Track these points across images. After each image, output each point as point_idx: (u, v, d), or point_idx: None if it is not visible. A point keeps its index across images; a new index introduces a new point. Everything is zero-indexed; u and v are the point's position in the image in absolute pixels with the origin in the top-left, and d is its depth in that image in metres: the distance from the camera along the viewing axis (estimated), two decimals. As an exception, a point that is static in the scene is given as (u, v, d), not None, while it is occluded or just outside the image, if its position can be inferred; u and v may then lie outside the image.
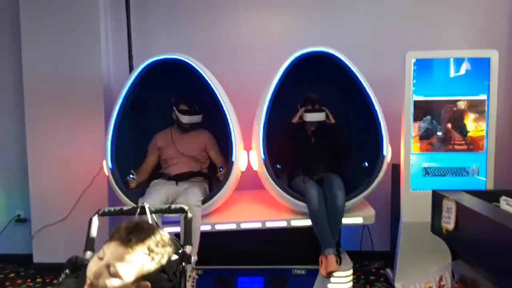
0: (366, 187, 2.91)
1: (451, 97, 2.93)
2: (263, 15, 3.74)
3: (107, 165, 2.98)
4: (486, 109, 2.89)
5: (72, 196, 3.54)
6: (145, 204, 1.96)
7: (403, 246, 2.99)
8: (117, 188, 2.93)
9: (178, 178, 3.14)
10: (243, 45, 3.70)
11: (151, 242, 1.31)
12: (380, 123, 2.97)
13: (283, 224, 2.97)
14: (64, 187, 3.55)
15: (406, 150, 2.92)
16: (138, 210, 1.95)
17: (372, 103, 3.01)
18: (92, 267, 1.29)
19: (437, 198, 2.09)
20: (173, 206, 2.00)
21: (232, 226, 2.96)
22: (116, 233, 1.31)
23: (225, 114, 3.03)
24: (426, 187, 2.92)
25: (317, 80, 3.38)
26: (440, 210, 2.03)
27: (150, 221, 1.92)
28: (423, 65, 2.92)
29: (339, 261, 2.81)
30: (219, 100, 3.04)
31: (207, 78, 3.04)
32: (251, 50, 3.70)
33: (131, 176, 2.98)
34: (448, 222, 1.92)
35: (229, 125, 3.02)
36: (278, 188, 2.95)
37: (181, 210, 1.97)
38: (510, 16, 3.57)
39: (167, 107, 3.31)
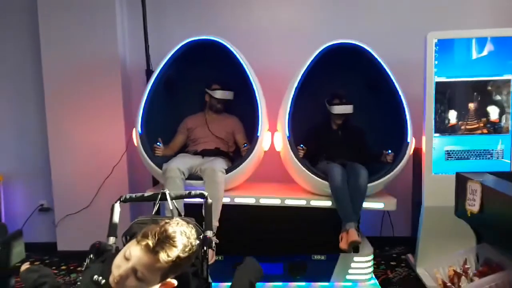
0: (389, 171, 2.89)
1: (474, 78, 2.85)
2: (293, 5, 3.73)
3: (136, 131, 3.03)
4: (511, 90, 2.80)
5: (94, 185, 3.58)
6: (165, 190, 1.97)
7: (424, 231, 2.94)
8: (143, 152, 2.99)
9: (205, 153, 3.19)
10: (266, 32, 3.69)
11: (179, 252, 1.29)
12: (405, 113, 2.96)
13: (302, 202, 2.96)
14: (85, 176, 3.60)
15: (428, 133, 2.86)
16: (159, 196, 1.96)
17: (398, 92, 3.01)
18: (119, 265, 1.30)
19: (461, 181, 2.04)
20: (193, 192, 2.00)
21: (251, 200, 2.96)
22: (144, 237, 1.29)
23: (255, 93, 3.06)
24: (448, 171, 2.86)
25: (343, 71, 3.34)
26: (464, 192, 1.98)
27: (171, 207, 1.95)
28: (444, 46, 2.85)
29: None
30: (249, 80, 3.07)
31: (240, 59, 3.09)
32: (273, 38, 3.68)
33: (158, 143, 3.06)
34: (473, 205, 1.87)
35: (257, 102, 3.05)
36: (301, 165, 2.93)
37: (201, 196, 1.98)
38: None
39: (198, 92, 3.39)
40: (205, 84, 3.35)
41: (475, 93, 2.86)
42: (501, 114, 2.85)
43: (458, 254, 2.30)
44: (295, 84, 3.01)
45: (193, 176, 2.96)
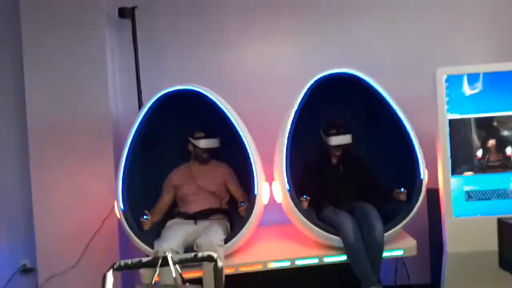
0: (405, 214, 2.69)
1: (487, 113, 2.70)
2: (278, 42, 3.60)
3: (118, 206, 2.73)
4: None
5: (81, 241, 3.27)
6: (167, 253, 1.72)
7: (449, 279, 2.69)
8: (130, 230, 2.68)
9: (197, 216, 2.90)
10: (256, 75, 3.54)
11: None
12: (413, 144, 2.79)
13: (315, 261, 2.70)
14: (72, 232, 3.28)
15: (445, 173, 2.66)
16: (160, 261, 1.70)
17: (402, 122, 2.85)
18: None
19: (505, 228, 1.81)
20: (199, 255, 1.74)
21: (258, 267, 2.69)
22: None
23: (244, 144, 2.83)
24: (470, 213, 2.66)
25: (341, 105, 3.19)
26: (509, 241, 1.76)
27: (173, 274, 1.69)
28: (454, 82, 2.71)
29: None
30: (236, 130, 2.85)
31: (223, 107, 2.87)
32: (266, 80, 3.52)
33: (145, 216, 2.74)
34: None
35: (249, 155, 2.81)
36: (307, 221, 2.72)
37: (210, 259, 1.71)
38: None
39: (181, 142, 3.12)
40: (187, 133, 3.09)
41: (489, 129, 2.70)
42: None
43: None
44: (288, 128, 2.82)
45: (188, 248, 2.65)
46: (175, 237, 2.66)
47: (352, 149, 3.07)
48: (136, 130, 2.85)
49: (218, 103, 2.87)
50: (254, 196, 2.75)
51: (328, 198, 3.00)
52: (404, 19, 3.48)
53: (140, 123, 2.87)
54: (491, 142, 2.70)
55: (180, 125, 3.14)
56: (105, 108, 3.33)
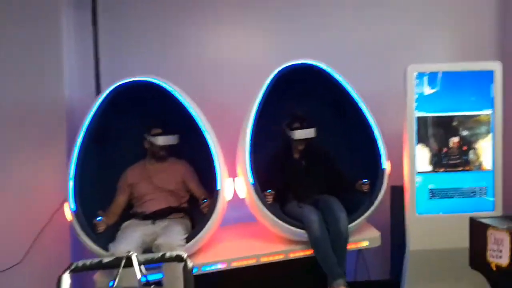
0: (369, 205, 2.70)
1: (453, 112, 2.73)
2: (243, 31, 3.47)
3: (69, 206, 2.52)
4: (491, 125, 2.71)
5: (28, 236, 3.02)
6: (132, 253, 1.58)
7: (410, 276, 2.72)
8: (82, 233, 2.49)
9: (155, 216, 2.74)
10: (221, 65, 3.40)
11: None
12: (375, 136, 2.83)
13: (281, 257, 2.65)
14: (18, 225, 3.03)
15: (410, 170, 2.67)
16: (123, 262, 1.56)
17: (365, 115, 2.88)
18: None
19: (478, 228, 1.82)
20: (168, 254, 1.61)
21: (222, 266, 2.60)
22: None
23: (206, 138, 2.72)
24: (432, 211, 2.69)
25: (307, 98, 3.16)
26: (481, 241, 1.75)
27: (138, 275, 1.56)
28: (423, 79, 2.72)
29: None
30: (198, 123, 2.73)
31: (182, 100, 2.74)
32: (231, 70, 3.39)
33: (98, 218, 2.56)
34: (499, 257, 1.65)
35: (210, 149, 2.71)
36: (272, 216, 2.65)
37: (179, 259, 1.59)
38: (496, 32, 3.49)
39: (138, 138, 2.93)
40: (143, 129, 2.91)
41: (455, 129, 2.73)
42: (481, 150, 2.73)
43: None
44: (251, 121, 2.75)
45: (147, 250, 2.51)
46: (132, 239, 2.50)
47: (316, 142, 3.03)
48: (90, 124, 2.65)
49: (177, 95, 2.74)
50: (217, 191, 2.65)
51: (292, 192, 2.96)
52: (374, 17, 3.48)
53: (94, 116, 2.67)
54: (453, 141, 2.73)
55: (138, 120, 2.96)
56: (58, 94, 3.08)
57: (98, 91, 3.10)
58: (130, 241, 2.46)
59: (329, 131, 3.12)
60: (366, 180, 2.78)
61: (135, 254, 1.57)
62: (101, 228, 2.54)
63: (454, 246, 2.59)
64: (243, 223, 3.10)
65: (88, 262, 1.57)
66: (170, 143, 2.89)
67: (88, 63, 3.17)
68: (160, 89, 2.76)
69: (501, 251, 1.64)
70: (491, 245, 1.70)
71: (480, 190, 2.72)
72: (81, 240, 2.51)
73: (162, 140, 2.85)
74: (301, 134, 2.92)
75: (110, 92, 2.71)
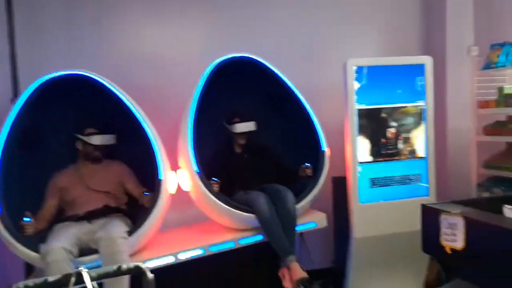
0: (313, 186, 2.79)
1: (389, 105, 2.85)
2: (181, 23, 3.32)
3: None
4: (423, 116, 2.88)
5: None
6: (82, 269, 1.41)
7: (355, 263, 2.81)
8: (8, 236, 2.24)
9: (91, 216, 2.54)
10: (159, 58, 3.23)
11: None
12: (314, 123, 2.95)
13: (231, 245, 2.61)
14: None
15: (353, 161, 2.76)
16: (73, 279, 1.39)
17: (302, 103, 2.98)
18: None
19: (429, 213, 1.91)
20: (124, 267, 1.47)
21: (169, 260, 2.48)
22: None
23: (144, 130, 2.60)
24: (373, 199, 2.80)
25: (246, 91, 3.15)
26: (433, 226, 1.84)
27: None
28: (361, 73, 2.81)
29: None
30: (135, 115, 2.60)
31: (119, 95, 2.60)
32: (166, 62, 3.24)
33: (26, 219, 2.32)
34: (454, 240, 1.74)
35: (150, 140, 2.59)
36: (220, 203, 2.62)
37: (137, 270, 1.46)
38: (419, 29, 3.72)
39: (69, 138, 2.73)
40: (74, 129, 2.72)
41: (391, 120, 2.86)
42: (415, 139, 2.90)
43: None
44: (192, 110, 2.69)
45: (83, 251, 2.33)
46: (66, 236, 2.30)
47: (257, 136, 3.06)
48: (12, 124, 2.40)
49: (112, 89, 2.59)
50: (160, 181, 2.54)
51: (237, 185, 2.95)
52: (309, 14, 3.52)
53: (17, 116, 2.42)
54: (390, 132, 2.86)
55: (68, 118, 2.76)
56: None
57: (16, 91, 2.79)
58: (64, 238, 2.26)
59: (270, 124, 3.17)
60: (309, 164, 2.85)
61: (86, 270, 1.41)
62: (29, 230, 2.31)
63: (395, 231, 2.74)
64: (191, 225, 3.00)
65: (31, 282, 1.38)
66: (106, 143, 2.72)
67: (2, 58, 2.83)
68: (93, 84, 2.59)
69: (455, 234, 1.74)
70: (444, 230, 1.80)
71: (415, 177, 2.88)
72: (6, 242, 2.26)
73: (96, 140, 2.67)
74: (241, 127, 2.94)
75: (37, 87, 2.48)
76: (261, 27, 3.41)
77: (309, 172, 2.86)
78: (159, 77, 3.20)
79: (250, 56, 2.96)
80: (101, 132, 2.69)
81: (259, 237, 2.68)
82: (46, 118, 2.68)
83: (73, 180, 2.66)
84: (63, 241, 2.24)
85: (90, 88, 2.61)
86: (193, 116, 2.69)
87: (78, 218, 2.53)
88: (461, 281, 1.86)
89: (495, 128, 3.08)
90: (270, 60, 3.02)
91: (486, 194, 3.02)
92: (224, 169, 2.94)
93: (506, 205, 1.83)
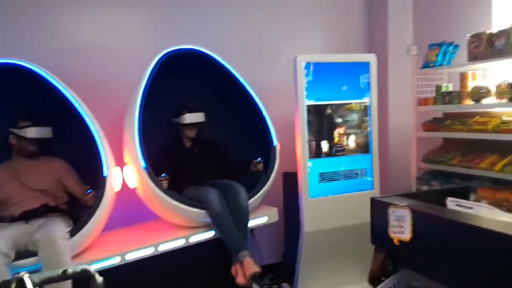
0: (265, 181, 2.82)
1: (337, 101, 2.92)
2: (128, 14, 3.18)
3: None
4: (369, 112, 2.98)
5: None
6: (23, 274, 1.31)
7: (305, 256, 2.86)
8: None
9: (27, 216, 2.38)
10: (96, 46, 3.06)
11: None
12: (264, 117, 2.99)
13: (181, 242, 2.55)
14: None
15: (302, 156, 2.80)
16: (14, 285, 1.29)
17: (252, 98, 3.00)
18: None
19: (378, 206, 1.97)
20: (70, 270, 1.37)
21: (115, 260, 2.37)
22: None
23: (86, 123, 2.48)
24: (323, 194, 2.86)
25: (196, 85, 3.12)
26: (382, 219, 1.91)
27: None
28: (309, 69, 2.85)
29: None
30: (75, 107, 2.47)
31: (56, 84, 2.47)
32: (108, 53, 3.08)
33: None
34: (401, 232, 1.81)
35: (93, 134, 2.48)
36: (170, 199, 2.56)
37: (84, 273, 1.38)
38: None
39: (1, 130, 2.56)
40: (8, 122, 2.55)
41: (338, 116, 2.93)
42: (361, 135, 2.99)
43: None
44: (138, 103, 2.60)
45: (21, 253, 2.18)
46: (2, 237, 2.15)
47: (207, 130, 3.03)
48: None
49: (49, 79, 2.46)
50: (104, 178, 2.44)
51: (187, 180, 2.90)
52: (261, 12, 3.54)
53: None
54: (336, 128, 2.92)
55: None
56: None
57: None
58: (0, 239, 2.11)
59: (219, 118, 3.13)
60: (260, 159, 2.88)
61: (28, 275, 1.31)
62: None
63: (343, 225, 2.81)
64: (137, 224, 2.90)
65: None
66: (42, 136, 2.55)
67: None
68: (27, 74, 2.44)
69: (402, 227, 1.82)
70: (392, 222, 1.87)
71: (361, 171, 2.97)
72: None
73: (31, 133, 2.51)
74: (190, 118, 2.89)
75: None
76: (200, 20, 3.34)
77: (260, 167, 2.87)
78: (100, 68, 3.03)
79: (199, 48, 2.92)
80: (36, 124, 2.53)
81: (210, 233, 2.65)
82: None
83: (6, 177, 2.49)
84: None
85: (25, 78, 2.45)
86: (139, 109, 2.60)
87: (13, 219, 2.37)
88: (408, 271, 1.94)
89: (433, 125, 3.25)
90: (221, 55, 2.99)
91: (425, 187, 3.18)
92: (173, 164, 2.87)
93: (449, 198, 1.94)
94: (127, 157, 2.68)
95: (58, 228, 2.25)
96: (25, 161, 2.56)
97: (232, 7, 3.43)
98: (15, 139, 2.54)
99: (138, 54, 3.03)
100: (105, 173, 2.45)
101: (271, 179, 2.84)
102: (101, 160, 2.46)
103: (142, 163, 2.53)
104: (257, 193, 2.78)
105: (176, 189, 2.74)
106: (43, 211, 2.44)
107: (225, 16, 3.41)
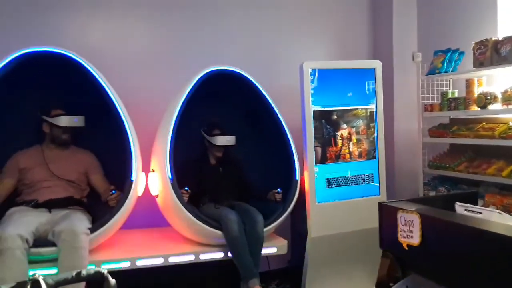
0: (281, 213, 2.80)
1: (343, 107, 2.93)
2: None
3: None
4: (375, 118, 2.99)
5: None
6: (38, 275, 1.33)
7: (311, 262, 2.86)
8: None
9: (51, 205, 2.42)
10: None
11: None
12: (290, 147, 2.97)
13: (190, 258, 2.57)
14: None
15: (309, 161, 2.81)
16: (28, 286, 1.31)
17: (282, 125, 2.99)
18: None
19: (387, 211, 1.98)
20: (84, 272, 1.39)
21: (126, 265, 2.42)
22: None
23: (123, 123, 2.53)
24: (329, 199, 2.87)
25: (223, 104, 3.15)
26: (390, 223, 1.91)
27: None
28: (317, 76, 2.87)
29: None
30: (113, 104, 2.52)
31: (98, 78, 2.53)
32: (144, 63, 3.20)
33: None
34: (410, 237, 1.82)
35: (127, 133, 2.52)
36: (189, 214, 2.57)
37: (98, 276, 1.39)
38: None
39: (35, 119, 2.62)
40: (40, 109, 2.60)
41: (344, 121, 2.95)
42: (368, 141, 3.00)
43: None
44: (174, 116, 2.65)
45: (39, 241, 2.21)
46: (23, 222, 2.19)
47: (233, 151, 3.07)
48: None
49: (91, 70, 2.51)
50: (131, 182, 2.48)
51: (208, 196, 2.92)
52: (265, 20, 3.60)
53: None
54: (341, 133, 2.94)
55: (32, 97, 2.63)
56: None
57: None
58: (20, 224, 2.16)
59: (245, 140, 3.14)
60: (280, 190, 2.89)
61: (42, 277, 1.33)
62: None
63: (350, 230, 2.82)
64: (149, 228, 2.93)
65: (-19, 290, 1.28)
66: (75, 125, 2.60)
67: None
68: (66, 64, 2.49)
69: (412, 231, 1.82)
70: (401, 227, 1.87)
71: (368, 177, 2.98)
72: None
73: (65, 121, 2.56)
74: (222, 140, 2.93)
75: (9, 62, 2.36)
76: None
77: (278, 197, 2.89)
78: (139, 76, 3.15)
79: (238, 70, 2.96)
80: (69, 113, 2.58)
81: (219, 254, 2.66)
82: (9, 95, 2.55)
83: (35, 162, 2.54)
84: (19, 226, 2.13)
85: (62, 67, 2.51)
86: (174, 124, 2.65)
87: (37, 205, 2.39)
88: (416, 276, 1.94)
89: (439, 130, 3.26)
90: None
91: (432, 193, 3.19)
92: (196, 178, 2.91)
93: (458, 203, 1.94)
94: (154, 164, 2.71)
95: (81, 223, 2.30)
96: (56, 149, 2.62)
97: (237, 17, 3.52)
98: (48, 127, 2.59)
99: (161, 63, 3.18)
100: (132, 178, 2.48)
101: (287, 212, 2.85)
102: (131, 164, 2.50)
103: (169, 175, 2.55)
104: (273, 223, 2.78)
105: (194, 203, 2.77)
106: (67, 203, 2.48)
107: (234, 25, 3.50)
